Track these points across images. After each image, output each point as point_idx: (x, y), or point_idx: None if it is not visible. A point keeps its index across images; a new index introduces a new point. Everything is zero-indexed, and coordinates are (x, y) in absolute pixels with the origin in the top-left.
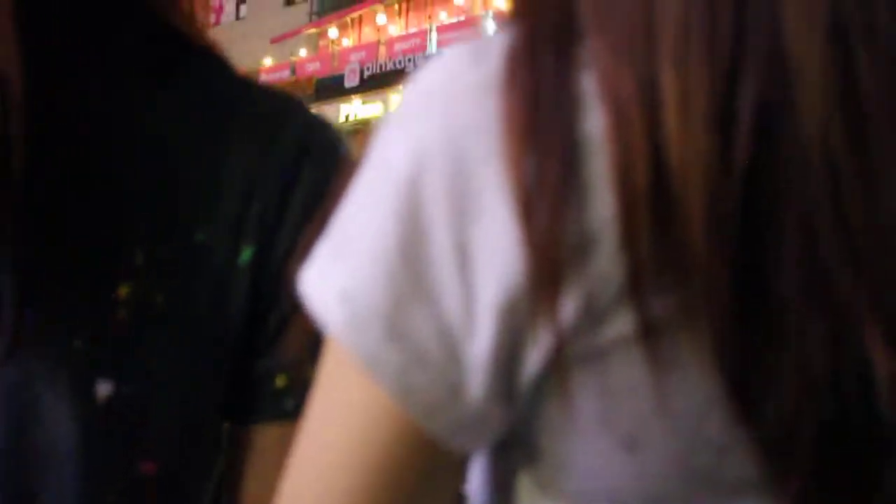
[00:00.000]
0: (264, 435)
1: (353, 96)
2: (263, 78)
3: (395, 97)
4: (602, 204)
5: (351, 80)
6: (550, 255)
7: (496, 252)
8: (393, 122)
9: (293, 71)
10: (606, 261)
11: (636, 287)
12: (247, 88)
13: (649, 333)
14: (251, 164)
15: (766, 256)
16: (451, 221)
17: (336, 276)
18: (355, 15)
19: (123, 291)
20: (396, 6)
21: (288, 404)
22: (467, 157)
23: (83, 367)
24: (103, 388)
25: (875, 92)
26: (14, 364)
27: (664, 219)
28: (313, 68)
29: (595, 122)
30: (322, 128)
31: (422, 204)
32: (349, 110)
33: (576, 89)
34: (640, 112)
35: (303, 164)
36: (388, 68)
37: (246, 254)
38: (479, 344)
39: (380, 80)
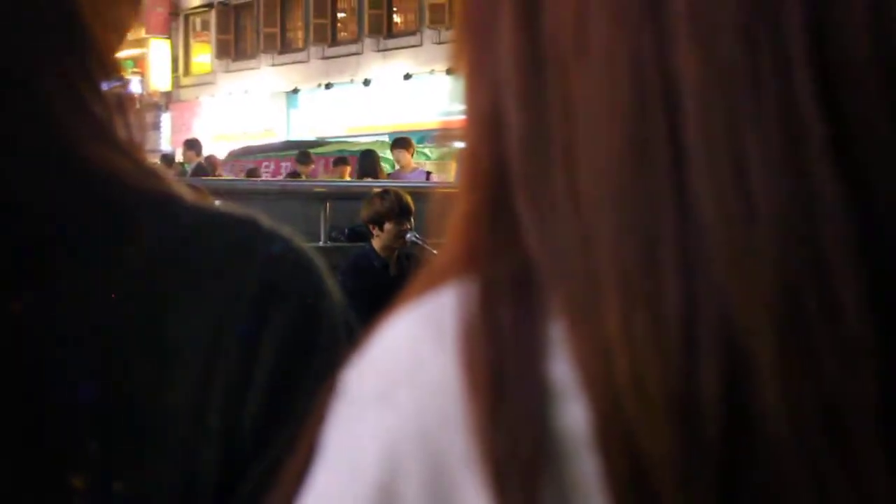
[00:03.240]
0: None
1: None
2: None
3: None
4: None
5: None
6: None
7: None
8: (353, 404)
9: None
10: None
11: None
12: (196, 230)
13: None
14: (211, 321)
15: None
16: None
17: None
18: None
19: (78, 483)
20: None
21: None
22: (445, 456)
23: None
24: None
25: (836, 369)
26: None
27: None
28: None
29: (573, 417)
30: (289, 262)
31: None
32: None
33: (543, 370)
34: (611, 410)
35: (268, 311)
36: None
37: (214, 423)
38: None
39: None
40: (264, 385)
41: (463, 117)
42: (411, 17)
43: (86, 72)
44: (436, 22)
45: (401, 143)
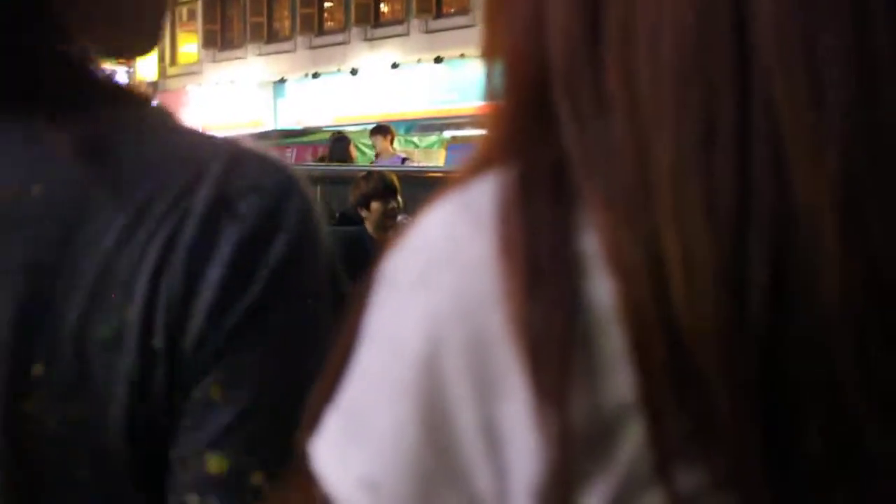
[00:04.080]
0: None
1: None
2: None
3: None
4: (619, 385)
5: None
6: (565, 454)
7: (523, 433)
8: (394, 288)
9: None
10: (631, 449)
11: (666, 470)
12: (160, 143)
13: None
14: (158, 235)
15: (793, 419)
16: (475, 402)
17: (355, 462)
18: None
19: (29, 407)
20: None
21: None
22: (485, 333)
23: None
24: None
25: (891, 249)
26: None
27: (688, 396)
28: None
29: (602, 291)
30: (243, 182)
31: (442, 385)
32: None
33: (576, 250)
34: (649, 282)
35: (221, 226)
36: None
37: (157, 340)
38: None
39: None
40: (206, 311)
41: (497, 29)
42: (398, 6)
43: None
44: (423, 11)
45: (379, 130)
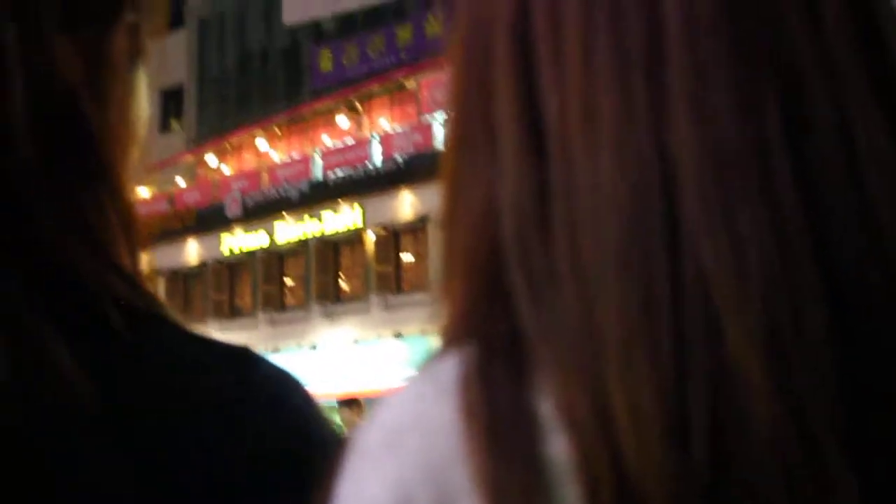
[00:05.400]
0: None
1: (235, 226)
2: (141, 209)
3: (280, 225)
4: None
5: (233, 210)
6: None
7: None
8: (362, 455)
9: (171, 202)
10: None
11: None
12: (195, 367)
13: None
14: (213, 454)
15: None
16: None
17: None
18: (234, 140)
19: None
20: (277, 130)
21: None
22: (451, 491)
23: None
24: None
25: (820, 398)
26: None
27: None
28: (193, 198)
29: (558, 447)
30: (282, 401)
31: None
32: (232, 242)
33: (533, 410)
34: (599, 435)
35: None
36: (271, 196)
37: None
38: None
39: (263, 209)
40: None
41: (447, 224)
42: (358, 283)
43: (94, 194)
44: (383, 289)
45: (347, 403)
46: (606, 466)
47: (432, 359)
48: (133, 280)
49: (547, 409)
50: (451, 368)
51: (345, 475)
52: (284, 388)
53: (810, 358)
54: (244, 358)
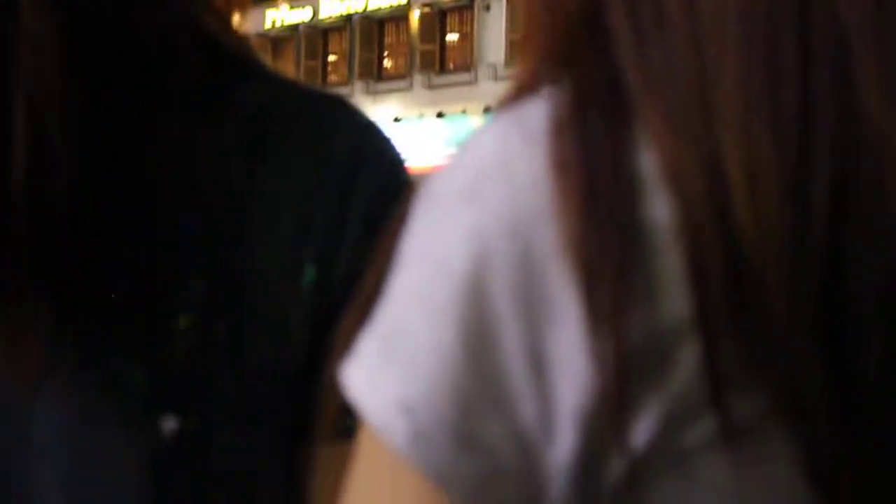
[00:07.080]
0: (328, 456)
1: (279, 1)
2: None
3: (325, 4)
4: (675, 307)
5: None
6: (619, 377)
7: (571, 357)
8: (437, 204)
9: None
10: (686, 373)
11: (720, 396)
12: (289, 97)
13: (734, 437)
14: (306, 180)
15: (855, 341)
16: (522, 325)
17: (391, 385)
18: None
19: (184, 322)
20: None
21: (349, 423)
22: (535, 252)
23: (146, 404)
24: (169, 424)
25: None
26: (69, 407)
27: (746, 317)
28: None
29: (660, 210)
30: (372, 132)
31: (488, 307)
32: (275, 15)
33: (633, 168)
34: (709, 199)
35: (358, 174)
36: None
37: (309, 275)
38: (560, 452)
39: None
40: (353, 245)
41: None
42: (402, 61)
43: None
44: (426, 67)
45: None
46: (715, 234)
47: (514, 102)
48: (227, 23)
49: (648, 166)
50: (540, 114)
51: (417, 224)
52: (376, 132)
53: None
54: (340, 102)
